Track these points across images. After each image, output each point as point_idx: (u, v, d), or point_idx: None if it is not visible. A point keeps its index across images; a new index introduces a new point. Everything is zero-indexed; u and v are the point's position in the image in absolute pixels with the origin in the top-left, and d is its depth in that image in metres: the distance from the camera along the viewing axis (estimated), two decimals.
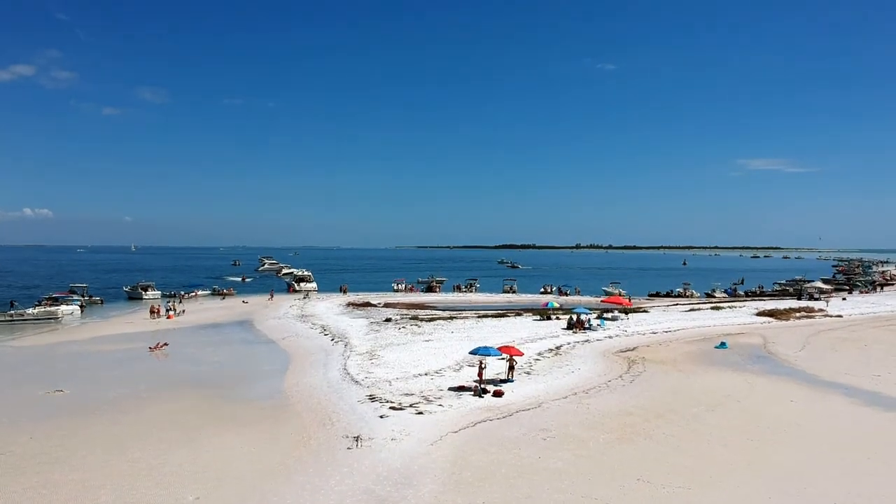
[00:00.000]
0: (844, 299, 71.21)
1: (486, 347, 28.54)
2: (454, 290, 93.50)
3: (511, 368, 29.56)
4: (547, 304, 52.14)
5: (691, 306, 61.13)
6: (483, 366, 28.13)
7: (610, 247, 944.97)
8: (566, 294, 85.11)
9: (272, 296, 78.83)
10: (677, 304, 68.48)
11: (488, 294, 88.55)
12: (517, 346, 32.16)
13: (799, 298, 72.01)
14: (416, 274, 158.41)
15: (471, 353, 28.71)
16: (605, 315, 52.01)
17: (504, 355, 29.05)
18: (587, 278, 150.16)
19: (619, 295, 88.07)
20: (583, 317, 46.26)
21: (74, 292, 74.66)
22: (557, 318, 50.18)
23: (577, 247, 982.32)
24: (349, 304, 66.07)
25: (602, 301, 54.70)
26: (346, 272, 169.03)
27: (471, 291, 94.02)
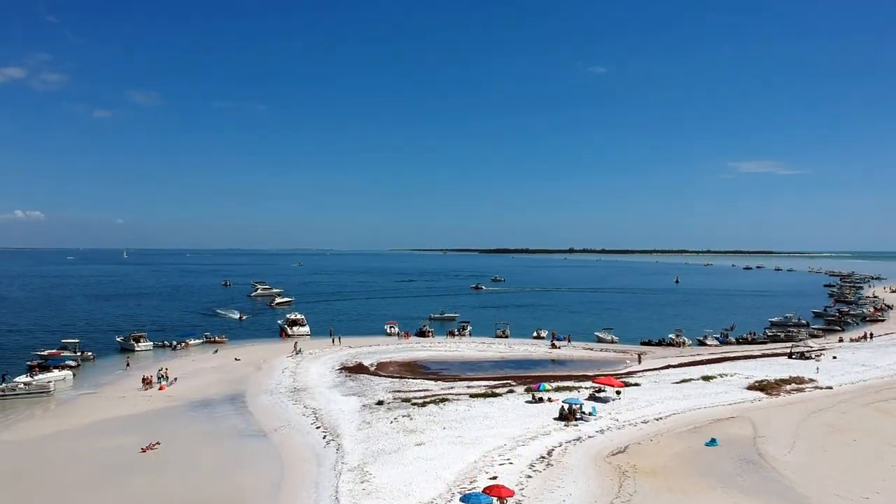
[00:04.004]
0: (835, 357, 71.68)
1: (476, 495, 28.71)
2: (447, 336, 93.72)
3: None
4: (539, 387, 52.38)
5: (683, 375, 61.52)
6: None
7: (603, 251, 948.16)
8: (558, 346, 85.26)
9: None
10: (668, 366, 68.93)
11: (481, 342, 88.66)
12: (506, 482, 32.38)
13: (790, 356, 72.49)
14: (411, 301, 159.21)
15: (461, 501, 28.87)
16: (597, 394, 52.35)
17: (494, 498, 29.20)
18: (577, 306, 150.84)
19: (612, 342, 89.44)
20: (574, 406, 46.49)
21: (66, 348, 74.51)
22: (550, 401, 50.42)
23: (571, 251, 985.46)
24: (342, 369, 65.95)
25: (594, 381, 55.00)
26: (340, 300, 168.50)
27: (464, 335, 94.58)
